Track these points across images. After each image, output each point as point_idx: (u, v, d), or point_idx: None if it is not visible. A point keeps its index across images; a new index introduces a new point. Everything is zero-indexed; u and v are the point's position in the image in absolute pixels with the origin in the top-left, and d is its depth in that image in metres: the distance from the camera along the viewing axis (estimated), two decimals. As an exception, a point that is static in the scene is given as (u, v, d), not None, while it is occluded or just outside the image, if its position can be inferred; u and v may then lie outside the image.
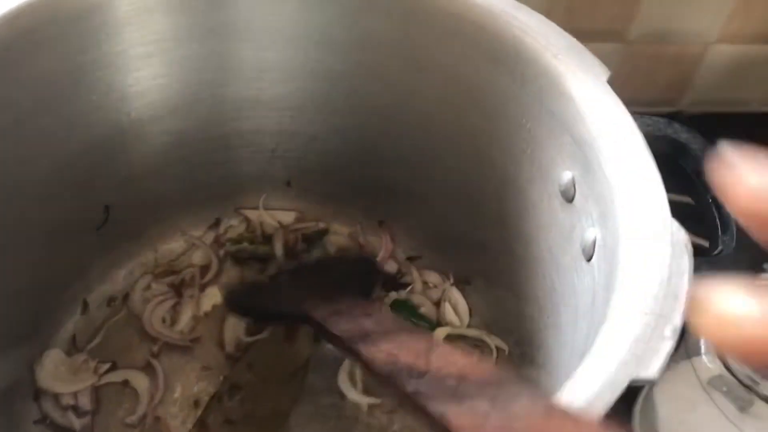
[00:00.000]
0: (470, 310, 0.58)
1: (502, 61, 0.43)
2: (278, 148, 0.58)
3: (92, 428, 0.50)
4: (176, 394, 0.52)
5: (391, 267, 0.60)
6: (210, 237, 0.61)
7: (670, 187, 0.34)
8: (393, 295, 0.59)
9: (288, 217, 0.62)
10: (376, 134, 0.54)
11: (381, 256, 0.60)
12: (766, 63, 0.79)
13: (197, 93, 0.52)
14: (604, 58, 0.75)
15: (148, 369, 0.53)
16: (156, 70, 0.49)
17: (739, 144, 0.19)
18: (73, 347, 0.54)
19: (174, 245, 0.60)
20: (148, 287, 0.57)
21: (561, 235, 0.42)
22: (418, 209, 0.58)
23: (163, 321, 0.55)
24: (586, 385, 0.28)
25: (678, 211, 0.32)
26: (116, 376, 0.52)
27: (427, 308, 0.58)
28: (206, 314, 0.56)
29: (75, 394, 0.50)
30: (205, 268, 0.59)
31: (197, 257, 0.59)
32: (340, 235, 0.62)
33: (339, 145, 0.56)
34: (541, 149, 0.43)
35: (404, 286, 0.59)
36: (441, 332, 0.56)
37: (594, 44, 0.73)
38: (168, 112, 0.52)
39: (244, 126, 0.56)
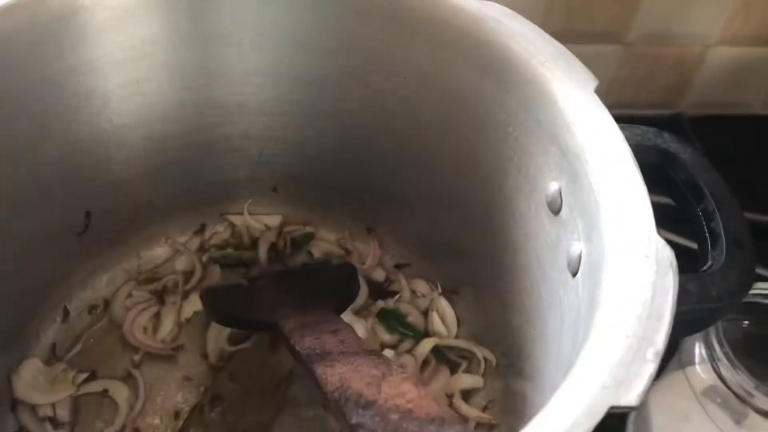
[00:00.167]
0: (458, 320, 0.57)
1: (488, 68, 0.43)
2: (264, 154, 0.57)
3: (70, 440, 0.50)
4: (157, 405, 0.51)
5: (378, 275, 0.60)
6: (195, 243, 0.60)
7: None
8: (380, 303, 0.58)
9: (274, 221, 0.61)
10: (362, 140, 0.54)
11: (369, 263, 0.60)
12: (767, 65, 0.78)
13: (181, 98, 0.51)
14: (603, 60, 0.75)
15: (128, 379, 0.52)
16: (139, 74, 0.49)
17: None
18: (52, 356, 0.53)
19: (158, 251, 0.59)
20: (129, 295, 0.56)
21: (548, 247, 0.41)
22: (406, 216, 0.57)
23: (145, 330, 0.54)
24: (565, 412, 0.27)
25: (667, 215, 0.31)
26: (95, 386, 0.51)
27: (414, 317, 0.57)
28: (188, 321, 0.56)
29: (53, 405, 0.50)
30: (188, 275, 0.58)
31: (181, 263, 0.59)
32: (327, 242, 0.61)
33: (326, 151, 0.56)
34: (528, 158, 0.42)
35: (392, 294, 0.59)
36: (428, 342, 0.55)
37: (593, 46, 0.73)
38: (152, 118, 0.51)
39: (230, 131, 0.55)
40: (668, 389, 0.50)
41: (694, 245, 0.39)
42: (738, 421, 0.46)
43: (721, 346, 0.44)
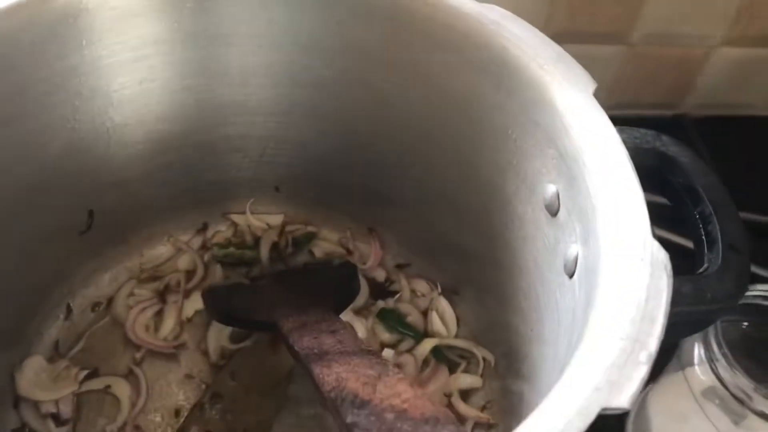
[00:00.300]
0: (458, 320, 0.57)
1: (488, 70, 0.43)
2: (266, 153, 0.57)
3: (71, 437, 0.50)
4: (158, 403, 0.52)
5: (379, 275, 0.60)
6: (197, 242, 0.60)
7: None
8: (381, 303, 0.58)
9: (276, 220, 0.61)
10: (363, 141, 0.54)
11: (370, 263, 0.60)
12: (771, 66, 0.78)
13: (183, 98, 0.52)
14: (606, 61, 0.74)
15: (130, 376, 0.53)
16: (141, 75, 0.49)
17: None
18: (55, 353, 0.53)
19: (160, 250, 0.60)
20: (131, 293, 0.56)
21: (545, 249, 0.41)
22: (407, 216, 0.57)
23: (146, 328, 0.55)
24: (557, 413, 0.27)
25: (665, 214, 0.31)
26: (98, 384, 0.52)
27: (414, 317, 0.58)
28: (190, 320, 0.56)
29: (56, 402, 0.50)
30: (190, 273, 0.58)
31: (183, 262, 0.59)
32: (329, 241, 0.62)
33: (327, 151, 0.56)
34: (527, 160, 0.42)
35: (392, 294, 0.59)
36: (428, 342, 0.56)
37: (596, 46, 0.73)
38: (153, 117, 0.52)
39: (231, 131, 0.55)
40: (667, 390, 0.50)
41: (691, 244, 0.39)
42: (736, 422, 0.46)
43: (720, 347, 0.44)
